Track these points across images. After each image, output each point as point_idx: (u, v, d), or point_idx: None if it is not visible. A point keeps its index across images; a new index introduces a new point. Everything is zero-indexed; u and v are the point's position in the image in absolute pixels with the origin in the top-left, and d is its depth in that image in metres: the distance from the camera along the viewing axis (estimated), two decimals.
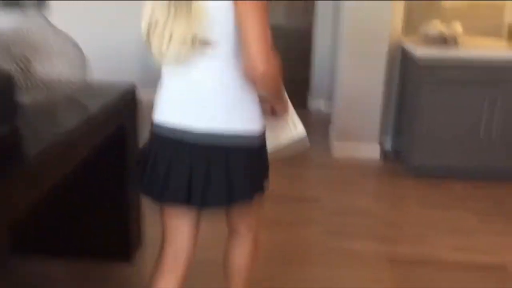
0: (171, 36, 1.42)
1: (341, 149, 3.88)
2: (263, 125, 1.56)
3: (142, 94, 2.36)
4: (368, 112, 3.81)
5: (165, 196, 1.52)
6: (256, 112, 1.53)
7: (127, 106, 2.27)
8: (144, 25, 1.47)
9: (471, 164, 3.50)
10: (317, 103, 5.20)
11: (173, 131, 1.50)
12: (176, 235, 1.61)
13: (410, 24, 3.78)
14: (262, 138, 1.56)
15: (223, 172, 1.48)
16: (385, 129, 3.99)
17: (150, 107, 1.61)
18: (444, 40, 3.47)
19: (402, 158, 3.77)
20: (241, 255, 1.77)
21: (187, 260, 1.63)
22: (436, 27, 3.52)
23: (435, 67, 3.34)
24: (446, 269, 2.51)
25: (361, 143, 3.86)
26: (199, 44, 1.42)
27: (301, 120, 1.77)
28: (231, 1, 1.38)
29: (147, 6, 1.47)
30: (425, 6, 3.76)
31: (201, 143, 1.47)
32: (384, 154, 3.91)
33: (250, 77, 1.44)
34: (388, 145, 4.04)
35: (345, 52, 3.75)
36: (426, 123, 3.44)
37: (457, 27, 3.52)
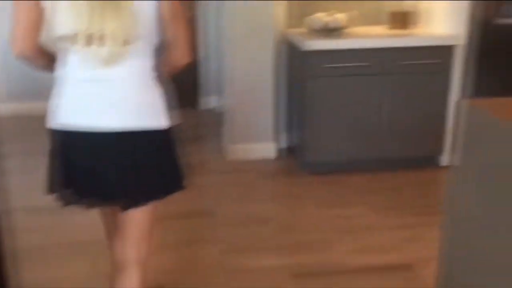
0: (101, 39, 1.44)
1: (235, 151, 3.67)
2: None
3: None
4: (259, 109, 3.63)
5: (81, 198, 1.63)
6: (163, 103, 1.59)
7: None
8: (58, 18, 1.46)
9: (365, 156, 3.45)
10: (208, 101, 4.94)
11: (82, 135, 1.53)
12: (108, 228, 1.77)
13: (295, 17, 3.63)
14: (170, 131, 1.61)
15: (136, 168, 1.57)
16: (279, 126, 3.84)
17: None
18: (329, 31, 3.36)
19: (297, 155, 3.64)
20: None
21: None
22: (320, 18, 3.39)
23: (321, 59, 3.22)
24: (351, 277, 2.38)
25: (256, 143, 3.68)
26: (124, 42, 1.46)
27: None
28: (155, 2, 1.48)
29: (62, 14, 1.45)
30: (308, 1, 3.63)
31: (116, 141, 1.53)
32: (280, 152, 3.75)
33: (176, 68, 1.64)
34: (284, 143, 3.89)
35: (230, 47, 3.52)
36: (316, 117, 3.32)
37: (341, 18, 3.42)
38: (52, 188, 1.63)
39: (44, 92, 4.30)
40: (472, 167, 1.49)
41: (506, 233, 1.32)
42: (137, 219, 1.61)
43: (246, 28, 3.43)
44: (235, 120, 3.64)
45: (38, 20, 1.50)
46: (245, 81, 3.55)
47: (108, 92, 1.51)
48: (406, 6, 3.58)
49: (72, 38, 1.47)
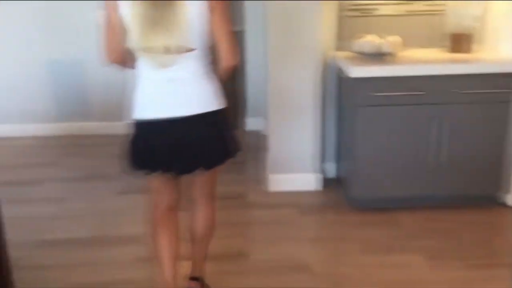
0: (165, 49, 1.88)
1: (276, 181, 3.44)
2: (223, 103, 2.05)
3: None
4: (303, 136, 3.38)
5: (151, 166, 2.03)
6: (217, 93, 2.03)
7: None
8: (133, 34, 1.89)
9: (418, 192, 3.12)
10: (253, 122, 4.74)
11: (158, 122, 1.95)
12: (159, 194, 2.14)
13: (343, 38, 3.36)
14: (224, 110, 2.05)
15: (202, 141, 2.01)
16: (325, 156, 3.58)
17: None
18: (380, 56, 3.07)
19: (343, 188, 3.36)
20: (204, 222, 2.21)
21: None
22: (371, 41, 3.11)
23: (371, 86, 2.94)
24: None
25: (299, 173, 3.43)
26: (182, 50, 1.90)
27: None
28: (204, 14, 1.89)
29: (132, 25, 1.88)
30: (358, 19, 3.34)
31: (185, 125, 1.97)
32: (325, 184, 3.49)
33: (225, 70, 2.03)
34: (330, 173, 3.62)
35: (273, 69, 3.29)
36: (366, 148, 3.04)
37: (395, 40, 3.12)
38: (132, 161, 2.04)
39: (89, 113, 4.08)
40: None
41: None
42: (209, 174, 2.11)
43: (290, 49, 3.20)
44: (276, 147, 3.41)
45: (122, 36, 1.94)
46: (288, 105, 3.32)
47: (174, 89, 1.95)
48: (468, 26, 3.22)
49: (144, 49, 1.91)
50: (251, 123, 4.76)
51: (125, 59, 2.02)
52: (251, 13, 4.49)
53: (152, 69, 1.94)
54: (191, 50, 1.92)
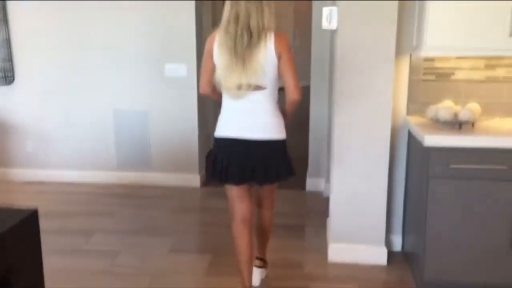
0: (245, 86, 2.46)
1: (338, 251, 3.19)
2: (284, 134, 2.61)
3: None
4: (370, 205, 3.13)
5: (228, 178, 2.58)
6: (281, 125, 2.60)
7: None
8: (219, 73, 2.50)
9: (497, 281, 2.77)
10: (317, 183, 4.54)
11: (234, 141, 2.54)
12: (237, 204, 2.67)
13: (417, 103, 3.15)
14: (285, 141, 2.61)
15: (268, 161, 2.55)
16: (392, 227, 3.30)
17: None
18: (457, 125, 2.83)
19: (412, 267, 3.05)
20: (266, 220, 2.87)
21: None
22: (447, 108, 2.88)
23: (447, 157, 2.68)
24: None
25: (363, 244, 3.16)
26: (253, 88, 2.48)
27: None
28: (275, 60, 2.44)
29: (219, 66, 2.49)
30: (433, 83, 3.13)
31: (254, 146, 2.52)
32: (391, 258, 3.19)
33: (291, 104, 2.57)
34: (397, 246, 3.33)
35: (339, 128, 3.10)
36: (438, 225, 2.75)
37: (474, 108, 2.88)
38: (213, 173, 2.62)
39: (150, 163, 4.00)
40: None
41: None
42: (269, 189, 2.76)
43: (358, 109, 3.01)
44: (339, 214, 3.18)
45: (212, 75, 2.55)
46: (354, 169, 3.10)
47: (250, 117, 2.51)
48: None
49: (227, 86, 2.51)
50: (312, 184, 4.56)
51: (213, 92, 2.64)
52: (317, 69, 4.39)
53: (231, 101, 2.54)
54: (262, 88, 2.50)
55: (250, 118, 2.52)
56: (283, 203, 4.24)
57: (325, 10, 3.04)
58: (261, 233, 2.92)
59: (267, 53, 2.42)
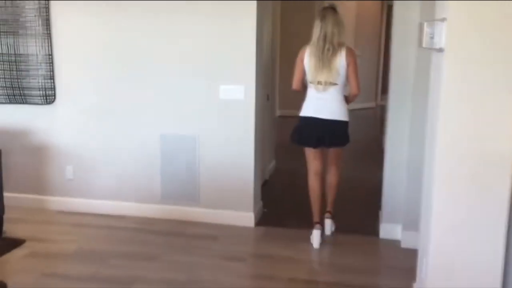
0: (323, 82, 3.59)
1: None
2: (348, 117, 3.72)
3: None
4: (480, 267, 2.41)
5: (308, 143, 3.74)
6: (346, 111, 3.69)
7: None
8: (309, 73, 3.64)
9: None
10: (392, 230, 3.84)
11: (313, 119, 3.64)
12: (312, 161, 3.80)
13: None
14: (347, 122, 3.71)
15: (333, 133, 3.67)
16: None
17: None
18: None
19: None
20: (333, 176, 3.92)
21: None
22: None
23: None
24: None
25: None
26: (331, 84, 3.59)
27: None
28: (345, 66, 3.56)
29: (310, 69, 3.63)
30: None
31: (326, 123, 3.62)
32: None
33: (353, 96, 3.74)
34: None
35: (441, 189, 2.42)
36: None
37: None
38: (295, 139, 3.77)
39: (197, 197, 4.18)
40: None
41: None
42: (336, 151, 3.85)
43: (464, 150, 2.33)
44: (435, 273, 2.48)
45: (303, 74, 3.68)
46: (455, 226, 2.40)
47: (325, 104, 3.62)
48: None
49: (312, 82, 3.63)
50: (386, 231, 3.86)
51: (303, 87, 3.72)
52: (398, 90, 3.73)
53: (315, 92, 3.62)
54: (336, 84, 3.58)
55: (326, 104, 3.61)
56: (354, 253, 3.59)
57: (426, 25, 2.40)
58: (330, 187, 3.90)
59: (341, 61, 3.57)
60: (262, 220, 4.20)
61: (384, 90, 10.76)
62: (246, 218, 4.09)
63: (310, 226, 3.78)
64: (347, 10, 7.20)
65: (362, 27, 9.83)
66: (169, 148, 4.15)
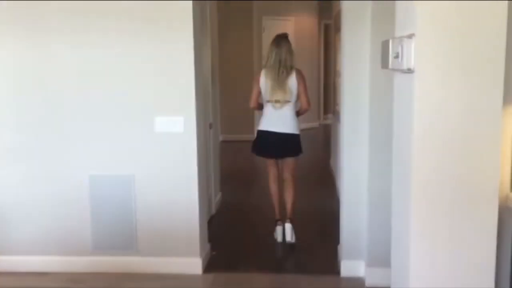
0: (278, 100, 4.11)
1: None
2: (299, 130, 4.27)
3: None
4: None
5: (265, 154, 4.34)
6: (298, 125, 4.23)
7: None
8: (266, 93, 4.15)
9: None
10: (352, 267, 3.50)
11: (270, 132, 4.14)
12: (271, 168, 4.35)
13: None
14: (299, 134, 4.24)
15: (287, 145, 4.18)
16: None
17: None
18: None
19: None
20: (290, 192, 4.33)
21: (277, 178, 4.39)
22: None
23: None
24: None
25: None
26: (286, 102, 4.10)
27: None
28: (296, 85, 4.11)
29: (266, 89, 4.14)
30: None
31: (281, 136, 4.14)
32: None
33: (303, 111, 4.28)
34: None
35: (418, 206, 2.08)
36: None
37: None
38: (255, 150, 4.30)
39: (134, 245, 3.63)
40: None
41: None
42: (292, 161, 4.28)
43: (445, 178, 2.01)
44: None
45: (259, 94, 4.20)
46: (437, 262, 2.07)
47: (279, 119, 4.11)
48: None
49: (270, 100, 4.13)
50: (348, 268, 3.51)
51: (259, 106, 4.27)
52: (351, 110, 3.43)
53: (272, 109, 4.14)
54: (289, 102, 4.12)
55: (281, 119, 4.11)
56: None
57: (392, 42, 2.08)
58: (287, 202, 4.27)
59: (293, 82, 4.09)
60: (211, 264, 3.74)
61: (326, 110, 10.71)
62: (193, 264, 3.61)
63: (262, 269, 3.53)
64: (285, 29, 6.99)
65: (301, 46, 9.68)
66: (100, 191, 3.62)
